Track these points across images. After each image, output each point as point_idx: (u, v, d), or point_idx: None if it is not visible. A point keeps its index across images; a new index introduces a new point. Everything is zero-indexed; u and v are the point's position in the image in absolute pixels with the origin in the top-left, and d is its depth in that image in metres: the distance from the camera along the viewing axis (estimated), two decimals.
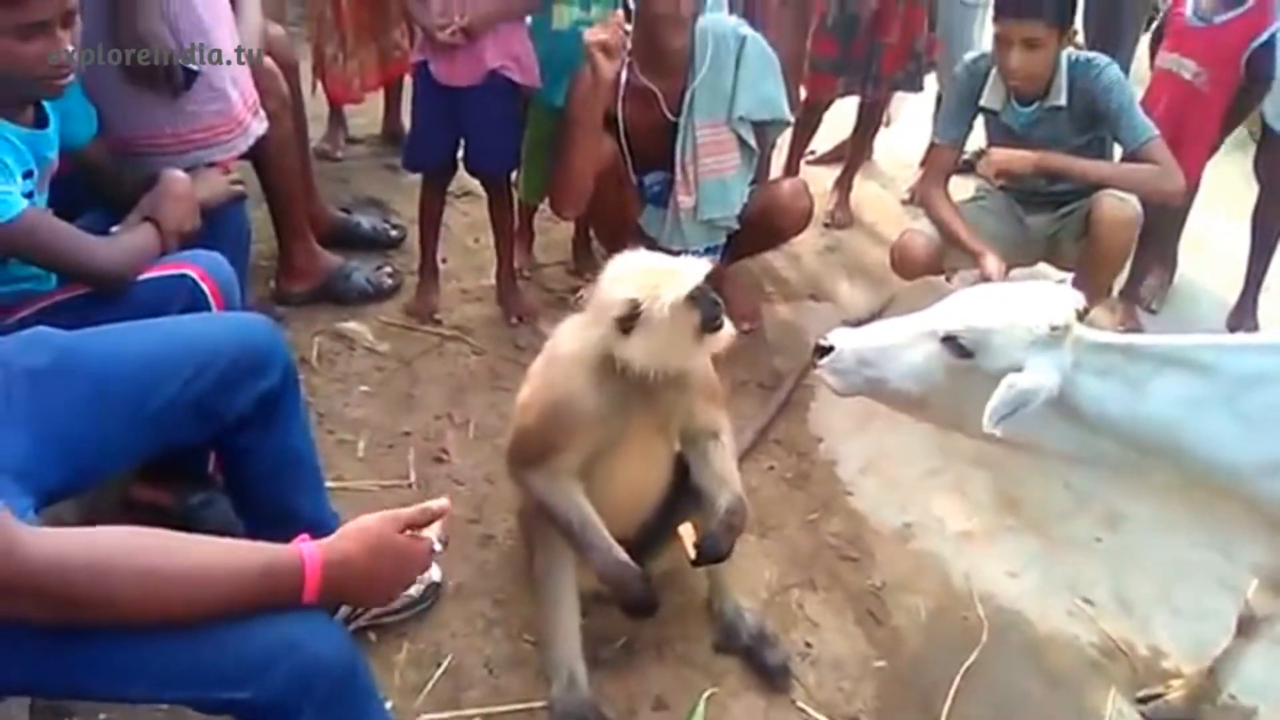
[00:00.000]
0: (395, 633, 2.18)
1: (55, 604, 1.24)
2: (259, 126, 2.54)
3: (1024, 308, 1.75)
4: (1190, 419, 1.70)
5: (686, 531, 2.12)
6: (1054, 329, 1.70)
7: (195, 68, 2.30)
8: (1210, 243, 4.01)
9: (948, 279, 3.27)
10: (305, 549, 1.37)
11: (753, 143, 3.04)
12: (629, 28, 2.75)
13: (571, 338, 2.04)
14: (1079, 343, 1.73)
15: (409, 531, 1.46)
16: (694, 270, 1.90)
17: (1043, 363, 1.69)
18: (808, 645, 2.28)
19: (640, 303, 1.85)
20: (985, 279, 2.86)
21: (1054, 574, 2.54)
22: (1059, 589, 2.50)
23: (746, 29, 3.01)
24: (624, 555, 1.98)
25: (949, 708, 2.18)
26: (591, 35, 2.72)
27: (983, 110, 3.11)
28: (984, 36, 3.87)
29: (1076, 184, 3.00)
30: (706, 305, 1.89)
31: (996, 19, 2.94)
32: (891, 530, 2.64)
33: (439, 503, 1.52)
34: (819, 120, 4.07)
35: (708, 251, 3.06)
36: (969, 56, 3.19)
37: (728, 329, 1.93)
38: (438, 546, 1.49)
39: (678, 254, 2.72)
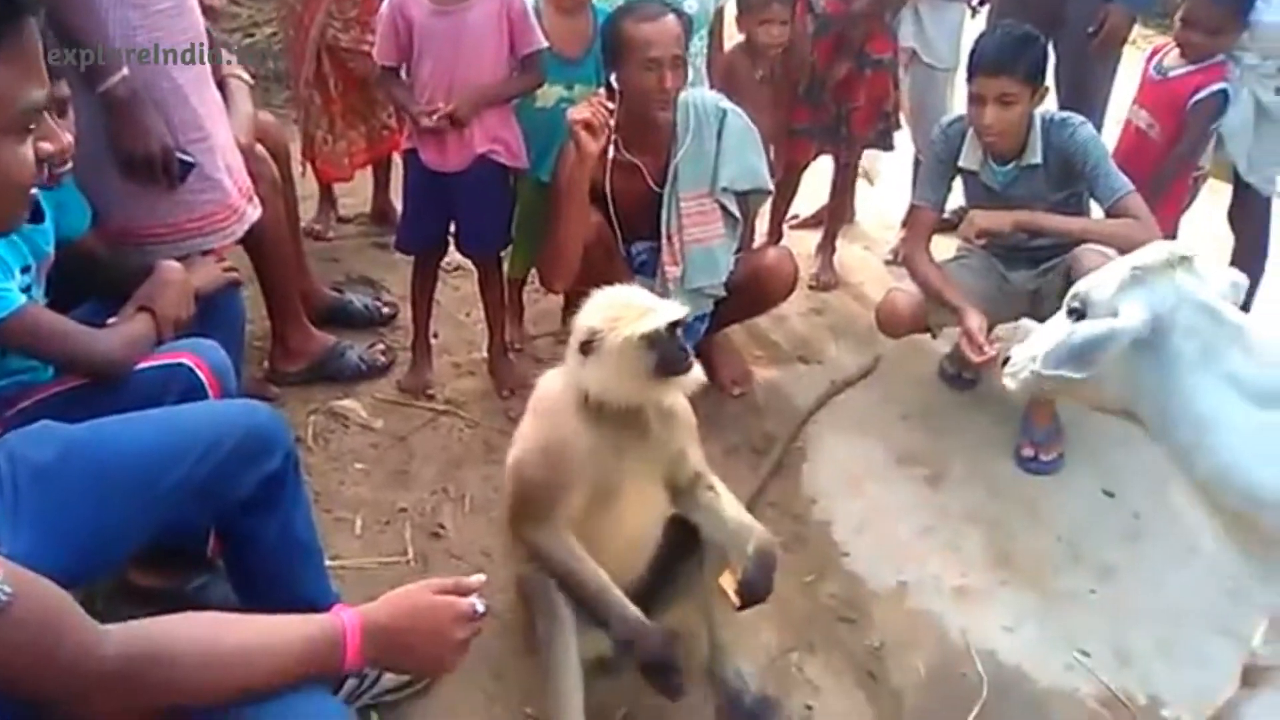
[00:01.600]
0: (397, 711, 2.18)
1: (124, 697, 1.25)
2: (254, 212, 2.58)
3: (1123, 260, 1.80)
4: (1224, 411, 1.71)
5: (726, 582, 2.13)
6: (1134, 270, 1.74)
7: (191, 159, 2.35)
8: None
9: (933, 336, 3.32)
10: (345, 615, 1.40)
11: (736, 212, 3.10)
12: (611, 106, 2.81)
13: (553, 383, 2.11)
14: (1182, 293, 1.74)
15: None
16: (664, 313, 1.96)
17: (1130, 304, 1.73)
18: (808, 708, 2.30)
19: (598, 331, 1.93)
20: (967, 335, 2.92)
21: (1050, 627, 2.56)
22: (1056, 642, 2.51)
23: (726, 103, 3.09)
24: (639, 613, 2.00)
25: None
26: (575, 114, 2.79)
27: (961, 171, 3.18)
28: (954, 100, 3.97)
29: (1056, 240, 3.06)
30: (664, 347, 1.95)
31: (970, 77, 3.02)
32: (888, 590, 2.65)
33: (476, 578, 1.53)
34: (798, 183, 4.14)
35: (696, 320, 3.11)
36: (945, 120, 3.27)
37: (694, 374, 2.00)
38: (480, 607, 1.48)
39: None
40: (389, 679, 2.16)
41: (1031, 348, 1.91)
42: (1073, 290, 1.83)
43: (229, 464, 1.78)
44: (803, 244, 4.15)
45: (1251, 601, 2.17)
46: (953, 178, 3.22)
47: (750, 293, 3.20)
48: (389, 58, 2.97)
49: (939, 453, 3.14)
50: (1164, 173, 3.39)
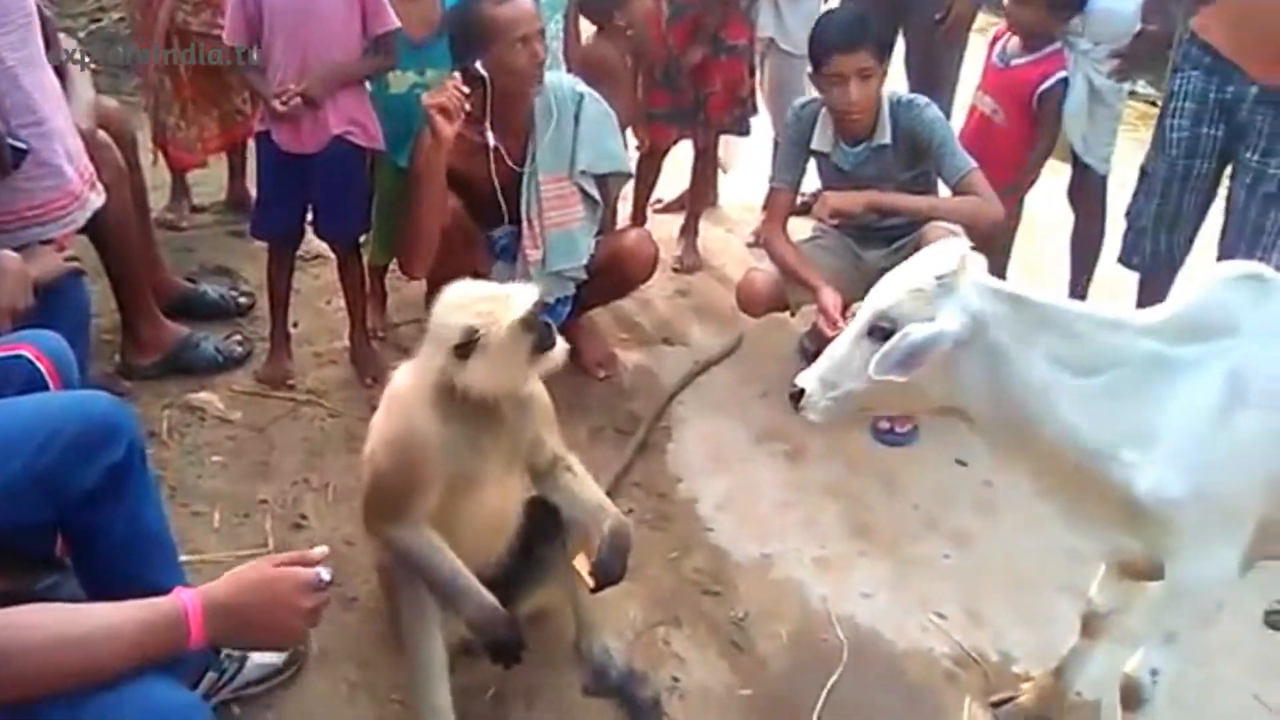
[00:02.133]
0: (260, 704, 2.15)
1: None
2: (96, 199, 2.51)
3: (916, 271, 1.83)
4: (1056, 385, 1.79)
5: (580, 563, 2.15)
6: (939, 278, 1.77)
7: (24, 145, 2.27)
8: (1040, 268, 4.21)
9: (792, 314, 3.39)
10: (184, 595, 1.38)
11: (596, 195, 3.12)
12: (466, 90, 2.80)
13: (406, 377, 2.08)
14: (982, 289, 1.79)
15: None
16: (524, 296, 1.98)
17: (945, 311, 1.76)
18: (675, 680, 2.33)
19: (478, 329, 1.92)
20: (823, 312, 2.99)
21: (906, 592, 2.64)
22: (912, 606, 2.60)
23: (583, 87, 3.11)
24: (493, 600, 2.00)
25: None
26: (430, 99, 2.77)
27: (814, 153, 3.25)
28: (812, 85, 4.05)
29: (906, 218, 3.16)
30: (539, 327, 1.98)
31: (826, 60, 3.03)
32: (751, 562, 2.71)
33: (319, 550, 1.52)
34: (659, 168, 4.19)
35: (558, 303, 3.12)
36: (797, 103, 3.34)
37: (559, 349, 2.02)
38: (325, 575, 1.47)
39: None
40: (251, 670, 2.13)
41: (816, 376, 1.93)
42: (876, 311, 1.84)
43: (69, 455, 1.72)
44: (666, 228, 4.19)
45: (1088, 558, 2.28)
46: (807, 160, 3.29)
47: (611, 275, 3.23)
48: (239, 39, 2.92)
49: (798, 429, 3.18)
50: (1028, 169, 3.54)
